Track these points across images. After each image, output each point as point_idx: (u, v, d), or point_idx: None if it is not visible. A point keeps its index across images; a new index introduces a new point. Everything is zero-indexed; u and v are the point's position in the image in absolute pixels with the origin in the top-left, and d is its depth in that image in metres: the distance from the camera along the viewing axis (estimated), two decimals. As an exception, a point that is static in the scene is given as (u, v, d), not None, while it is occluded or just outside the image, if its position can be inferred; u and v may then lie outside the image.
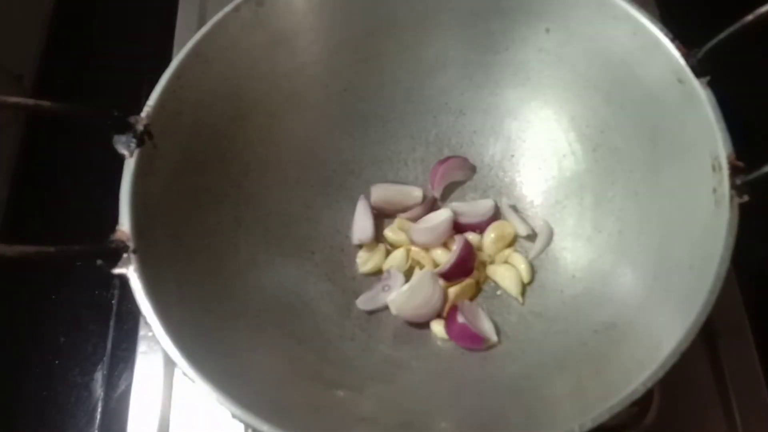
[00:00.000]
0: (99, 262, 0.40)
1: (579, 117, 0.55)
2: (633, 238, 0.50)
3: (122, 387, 0.59)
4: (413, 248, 0.56)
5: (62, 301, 0.64)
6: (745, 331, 0.55)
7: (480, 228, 0.57)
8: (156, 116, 0.45)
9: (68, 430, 0.59)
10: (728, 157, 0.42)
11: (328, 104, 0.57)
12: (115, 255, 0.41)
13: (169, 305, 0.41)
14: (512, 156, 0.58)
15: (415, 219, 0.57)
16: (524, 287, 0.54)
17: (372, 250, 0.56)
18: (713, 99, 0.43)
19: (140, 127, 0.44)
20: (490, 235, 0.56)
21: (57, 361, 0.61)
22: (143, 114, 0.45)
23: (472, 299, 0.54)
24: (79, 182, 0.69)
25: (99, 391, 0.60)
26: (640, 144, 0.50)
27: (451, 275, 0.53)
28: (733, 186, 0.41)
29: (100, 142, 0.45)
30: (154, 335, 0.40)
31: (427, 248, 0.56)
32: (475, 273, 0.55)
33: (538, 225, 0.56)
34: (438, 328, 0.53)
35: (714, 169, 0.42)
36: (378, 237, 0.57)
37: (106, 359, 0.61)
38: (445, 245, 0.56)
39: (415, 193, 0.58)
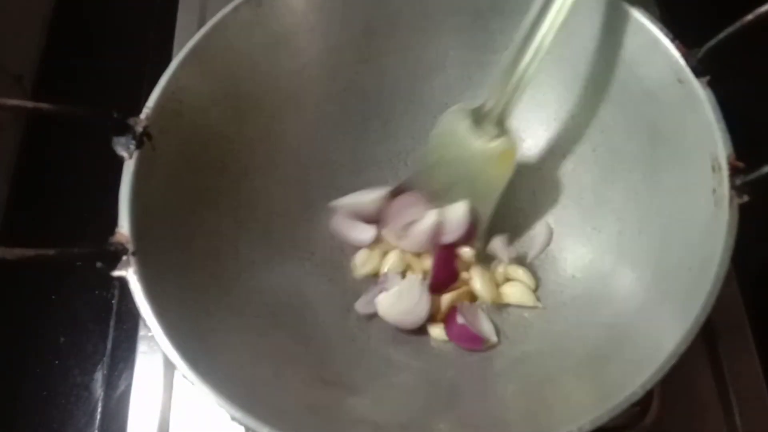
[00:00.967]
0: (98, 264, 0.40)
1: (578, 116, 0.55)
2: (633, 239, 0.50)
3: (122, 387, 0.59)
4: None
5: (62, 301, 0.64)
6: (745, 331, 0.55)
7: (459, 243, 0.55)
8: (155, 117, 0.45)
9: (68, 430, 0.59)
10: (728, 158, 0.42)
11: (328, 104, 0.57)
12: (114, 257, 0.41)
13: (168, 307, 0.41)
14: (512, 156, 0.58)
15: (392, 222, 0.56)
16: (535, 292, 0.54)
17: (371, 251, 0.56)
18: (713, 99, 0.43)
19: (139, 129, 0.44)
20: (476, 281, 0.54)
21: (57, 361, 0.61)
22: (142, 115, 0.45)
23: (472, 302, 0.54)
24: (78, 183, 0.69)
25: (99, 391, 0.60)
26: (639, 144, 0.50)
27: (435, 287, 0.53)
28: (732, 186, 0.41)
29: (99, 143, 0.45)
30: (153, 335, 0.40)
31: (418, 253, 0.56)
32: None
33: (538, 226, 0.56)
34: (436, 331, 0.53)
35: (714, 169, 0.42)
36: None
37: (106, 359, 0.61)
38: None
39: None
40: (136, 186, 0.43)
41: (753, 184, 0.40)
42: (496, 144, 0.51)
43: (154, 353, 0.57)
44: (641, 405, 0.50)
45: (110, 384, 0.60)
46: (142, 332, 0.58)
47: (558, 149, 0.56)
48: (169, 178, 0.47)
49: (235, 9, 0.50)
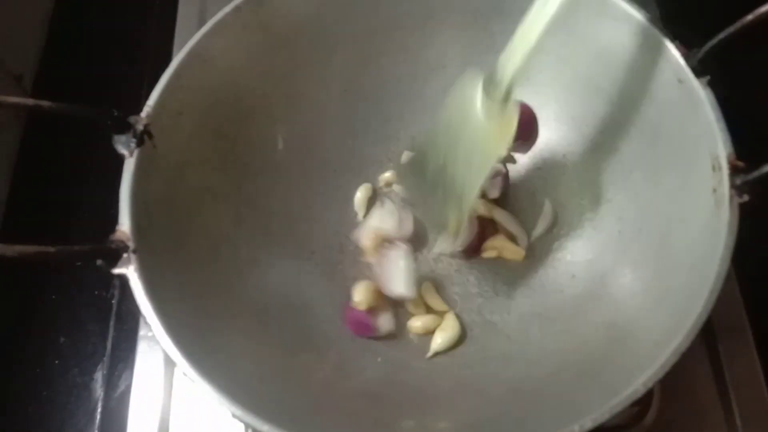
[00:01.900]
0: (99, 262, 0.40)
1: (579, 117, 0.55)
2: (633, 238, 0.50)
3: (122, 387, 0.59)
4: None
5: (62, 301, 0.64)
6: (745, 331, 0.55)
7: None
8: (156, 116, 0.45)
9: (68, 430, 0.59)
10: (728, 157, 0.42)
11: (328, 104, 0.57)
12: (115, 255, 0.41)
13: (169, 305, 0.41)
14: (512, 156, 0.58)
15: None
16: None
17: None
18: (713, 99, 0.44)
19: (140, 127, 0.44)
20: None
21: (57, 361, 0.61)
22: (143, 114, 0.45)
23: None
24: (79, 182, 0.69)
25: (99, 391, 0.60)
26: (639, 144, 0.50)
27: None
28: (733, 186, 0.41)
29: (100, 142, 0.45)
30: (154, 335, 0.40)
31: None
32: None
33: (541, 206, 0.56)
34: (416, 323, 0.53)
35: (714, 168, 0.42)
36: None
37: (106, 359, 0.61)
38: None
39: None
40: (137, 184, 0.43)
41: (753, 183, 0.40)
42: (497, 114, 0.50)
43: (154, 353, 0.57)
44: (641, 405, 0.50)
45: (110, 384, 0.59)
46: (142, 332, 0.58)
47: (558, 149, 0.56)
48: (170, 177, 0.47)
49: (236, 9, 0.50)
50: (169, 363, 0.43)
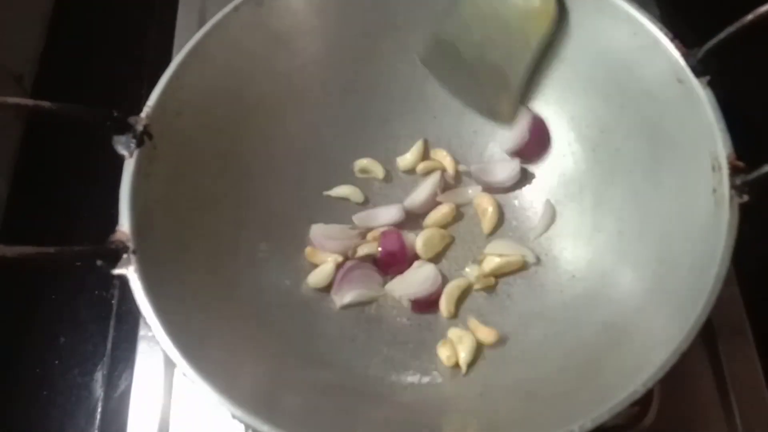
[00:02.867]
0: (99, 262, 0.40)
1: (579, 117, 0.55)
2: (633, 238, 0.50)
3: (122, 387, 0.59)
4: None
5: (62, 301, 0.64)
6: (745, 331, 0.55)
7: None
8: (156, 117, 0.45)
9: (68, 430, 0.59)
10: (728, 157, 0.42)
11: (328, 104, 0.57)
12: (115, 256, 0.41)
13: (168, 305, 0.41)
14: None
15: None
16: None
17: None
18: (713, 99, 0.44)
19: (140, 128, 0.44)
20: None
21: (57, 361, 0.61)
22: (143, 114, 0.45)
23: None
24: (79, 182, 0.69)
25: (99, 391, 0.60)
26: (639, 144, 0.50)
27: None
28: (733, 186, 0.41)
29: (100, 142, 0.45)
30: (154, 335, 0.40)
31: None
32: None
33: (541, 206, 0.56)
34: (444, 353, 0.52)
35: (714, 168, 0.42)
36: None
37: (106, 359, 0.61)
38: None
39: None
40: (137, 184, 0.43)
41: (753, 183, 0.40)
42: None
43: (154, 353, 0.57)
44: (641, 405, 0.50)
45: (110, 384, 0.59)
46: (142, 332, 0.58)
47: (558, 149, 0.56)
48: (170, 177, 0.47)
49: (235, 9, 0.50)
50: (169, 363, 0.43)
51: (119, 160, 0.44)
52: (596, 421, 0.37)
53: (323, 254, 0.55)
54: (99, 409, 0.59)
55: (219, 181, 0.51)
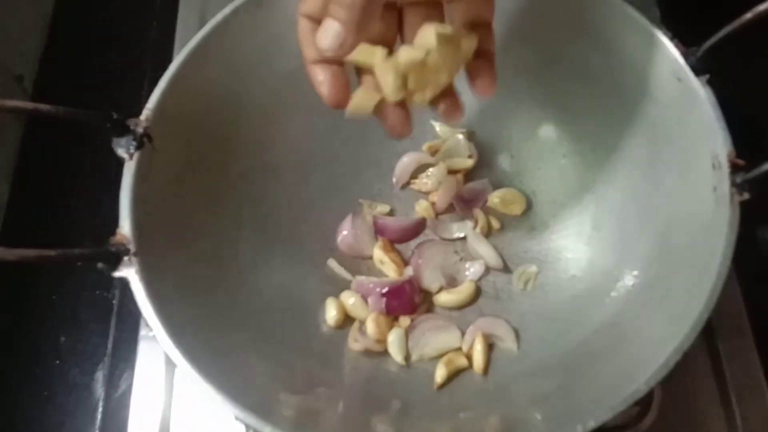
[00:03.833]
0: (100, 265, 0.40)
1: (578, 116, 0.55)
2: (633, 238, 0.50)
3: (123, 387, 0.59)
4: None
5: (62, 301, 0.64)
6: (745, 331, 0.55)
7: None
8: (155, 119, 0.45)
9: (68, 430, 0.59)
10: (728, 155, 0.42)
11: (327, 106, 0.57)
12: (115, 258, 0.41)
13: (170, 308, 0.41)
14: (512, 156, 0.58)
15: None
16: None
17: None
18: (713, 97, 0.44)
19: (140, 130, 0.44)
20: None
21: (57, 361, 0.61)
22: (142, 117, 0.45)
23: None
24: (79, 183, 0.69)
25: (99, 391, 0.60)
26: (639, 143, 0.50)
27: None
28: (733, 184, 0.41)
29: (100, 144, 0.45)
30: (154, 335, 0.40)
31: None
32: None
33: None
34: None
35: (714, 167, 0.42)
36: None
37: (106, 359, 0.61)
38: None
39: None
40: (137, 187, 0.43)
41: (753, 181, 0.40)
42: None
43: (155, 353, 0.57)
44: (641, 405, 0.50)
45: (111, 384, 0.59)
46: (142, 332, 0.58)
47: (558, 149, 0.56)
48: (170, 179, 0.47)
49: (235, 11, 0.50)
50: (170, 363, 0.43)
51: (119, 162, 0.44)
52: (599, 420, 0.37)
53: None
54: (99, 409, 0.59)
55: (219, 183, 0.51)
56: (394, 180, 0.59)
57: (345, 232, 0.56)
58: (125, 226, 0.42)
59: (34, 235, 0.65)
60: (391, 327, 0.52)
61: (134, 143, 0.44)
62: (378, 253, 0.55)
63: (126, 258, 0.41)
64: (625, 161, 0.52)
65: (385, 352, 0.51)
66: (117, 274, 0.41)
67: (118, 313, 0.62)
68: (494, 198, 0.57)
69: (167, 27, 0.71)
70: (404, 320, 0.52)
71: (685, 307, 0.40)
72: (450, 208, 0.58)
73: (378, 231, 0.56)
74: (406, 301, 0.53)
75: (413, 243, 0.57)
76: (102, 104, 0.43)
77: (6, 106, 0.39)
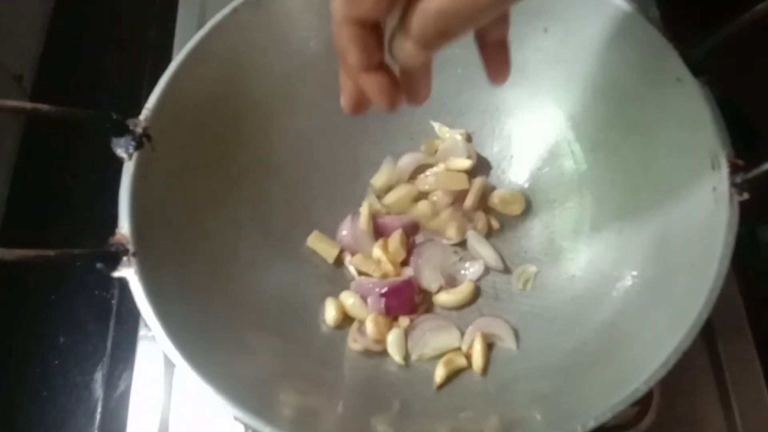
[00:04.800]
0: (99, 265, 0.40)
1: (578, 117, 0.55)
2: (632, 237, 0.50)
3: (122, 387, 0.59)
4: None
5: (62, 301, 0.64)
6: (745, 331, 0.55)
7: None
8: (154, 119, 0.45)
9: (68, 430, 0.59)
10: (727, 155, 0.42)
11: (327, 106, 0.57)
12: (114, 258, 0.41)
13: (169, 308, 0.41)
14: (512, 156, 0.58)
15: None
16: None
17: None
18: (711, 97, 0.44)
19: (139, 130, 0.44)
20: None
21: (57, 361, 0.61)
22: (142, 117, 0.45)
23: None
24: (78, 183, 0.69)
25: (99, 391, 0.60)
26: (638, 143, 0.50)
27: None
28: (732, 184, 0.41)
29: (99, 144, 0.45)
30: (154, 335, 0.40)
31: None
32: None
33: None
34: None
35: (713, 167, 0.43)
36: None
37: (106, 359, 0.61)
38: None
39: None
40: (136, 187, 0.43)
41: (753, 181, 0.40)
42: None
43: (154, 353, 0.57)
44: (641, 405, 0.50)
45: (110, 384, 0.59)
46: (142, 332, 0.58)
47: (557, 149, 0.56)
48: (169, 180, 0.47)
49: (234, 11, 0.50)
50: (169, 363, 0.43)
51: (119, 161, 0.44)
52: (599, 419, 0.37)
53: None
54: (99, 409, 0.59)
55: (218, 183, 0.51)
56: (393, 180, 0.59)
57: (345, 232, 0.56)
58: (124, 226, 0.42)
59: (33, 235, 0.65)
60: (390, 327, 0.52)
61: (133, 143, 0.44)
62: (377, 253, 0.55)
63: (125, 258, 0.41)
64: (625, 161, 0.51)
65: (384, 352, 0.51)
66: (116, 274, 0.41)
67: (117, 314, 0.62)
68: (494, 198, 0.57)
69: (167, 27, 0.71)
70: (403, 320, 0.52)
71: (684, 307, 0.40)
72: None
73: (378, 231, 0.56)
74: (406, 301, 0.53)
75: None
76: (101, 104, 0.44)
77: (6, 106, 0.40)
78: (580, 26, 0.51)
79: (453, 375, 0.50)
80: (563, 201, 0.56)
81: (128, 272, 0.41)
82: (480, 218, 0.57)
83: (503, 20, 0.40)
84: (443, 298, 0.54)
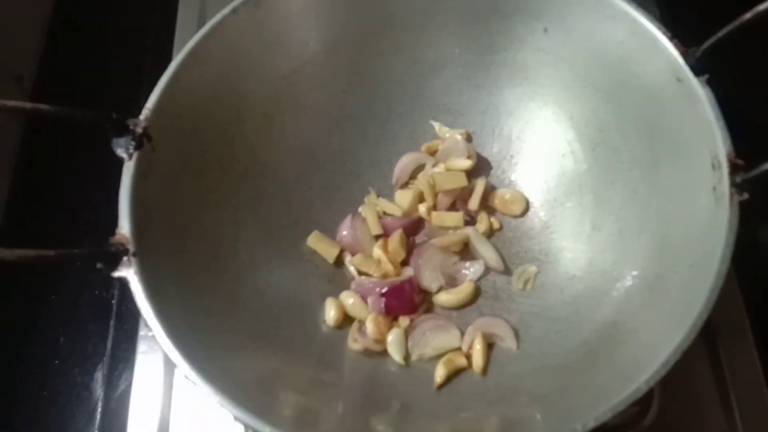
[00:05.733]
0: (99, 265, 0.40)
1: (578, 116, 0.55)
2: (633, 237, 0.50)
3: (122, 387, 0.59)
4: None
5: (62, 301, 0.64)
6: (745, 331, 0.55)
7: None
8: (154, 119, 0.45)
9: (68, 430, 0.59)
10: (727, 155, 0.42)
11: (327, 105, 0.57)
12: (115, 258, 0.41)
13: (169, 308, 0.41)
14: (512, 156, 0.58)
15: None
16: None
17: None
18: (712, 97, 0.44)
19: (139, 130, 0.44)
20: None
21: (57, 361, 0.61)
22: (142, 117, 0.45)
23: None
24: (78, 182, 0.69)
25: (99, 391, 0.60)
26: (639, 143, 0.50)
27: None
28: (733, 184, 0.41)
29: (100, 142, 0.45)
30: (154, 335, 0.40)
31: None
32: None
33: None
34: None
35: (713, 167, 0.42)
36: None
37: (106, 359, 0.61)
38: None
39: None
40: (136, 187, 0.43)
41: (753, 181, 0.40)
42: None
43: (154, 353, 0.57)
44: (641, 405, 0.50)
45: (110, 384, 0.60)
46: (142, 332, 0.58)
47: (558, 149, 0.56)
48: (169, 179, 0.47)
49: (234, 10, 0.50)
50: (169, 363, 0.43)
51: (119, 161, 0.44)
52: (599, 419, 0.37)
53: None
54: (99, 409, 0.59)
55: (218, 183, 0.51)
56: (394, 180, 0.59)
57: (345, 232, 0.56)
58: (124, 226, 0.42)
59: (33, 235, 0.65)
60: (390, 327, 0.52)
61: (133, 143, 0.44)
62: (378, 253, 0.55)
63: (125, 258, 0.41)
64: (625, 161, 0.51)
65: (384, 352, 0.51)
66: (116, 274, 0.41)
67: (117, 314, 0.62)
68: (494, 198, 0.57)
69: (166, 27, 0.71)
70: (404, 320, 0.52)
71: (684, 307, 0.40)
72: (451, 209, 0.58)
73: None
74: (406, 301, 0.53)
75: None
76: (102, 104, 0.43)
77: (6, 106, 0.40)
78: (579, 26, 0.51)
79: (453, 375, 0.50)
80: (563, 201, 0.56)
81: (128, 272, 0.41)
82: (483, 219, 0.56)
83: None
84: (443, 298, 0.54)
